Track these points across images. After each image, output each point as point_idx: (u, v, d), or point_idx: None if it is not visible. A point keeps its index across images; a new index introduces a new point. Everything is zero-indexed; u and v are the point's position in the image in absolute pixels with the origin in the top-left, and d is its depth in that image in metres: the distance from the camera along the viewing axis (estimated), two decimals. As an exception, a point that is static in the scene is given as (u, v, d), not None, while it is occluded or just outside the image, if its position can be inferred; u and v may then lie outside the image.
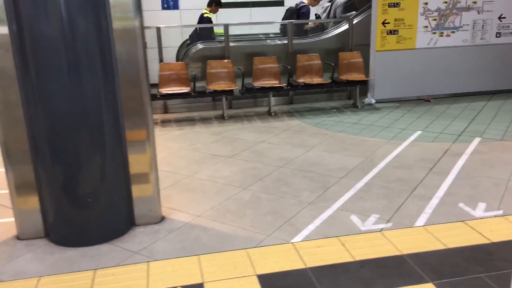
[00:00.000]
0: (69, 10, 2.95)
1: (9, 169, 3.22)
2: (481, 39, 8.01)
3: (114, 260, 3.05)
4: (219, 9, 9.16)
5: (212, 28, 8.93)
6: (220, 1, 9.04)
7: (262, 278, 2.76)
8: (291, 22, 7.99)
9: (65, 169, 3.21)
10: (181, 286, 2.70)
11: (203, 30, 8.90)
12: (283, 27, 8.80)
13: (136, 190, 3.49)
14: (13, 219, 3.39)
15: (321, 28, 8.73)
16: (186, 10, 10.68)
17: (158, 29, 7.31)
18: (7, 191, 3.33)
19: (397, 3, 7.52)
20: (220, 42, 7.88)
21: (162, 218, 3.65)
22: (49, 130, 3.12)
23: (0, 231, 3.49)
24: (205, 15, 8.86)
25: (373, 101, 7.77)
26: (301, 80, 7.47)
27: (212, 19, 9.02)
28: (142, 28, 3.28)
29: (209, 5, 8.96)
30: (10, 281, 2.83)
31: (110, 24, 3.14)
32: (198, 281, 2.75)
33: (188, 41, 9.01)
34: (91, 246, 3.23)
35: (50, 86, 3.03)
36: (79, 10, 2.99)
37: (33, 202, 3.29)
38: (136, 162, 3.44)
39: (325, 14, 9.04)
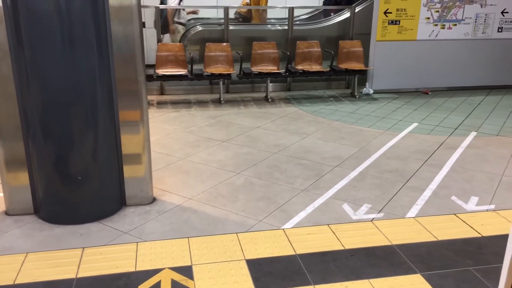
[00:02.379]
0: (65, -17, 2.88)
1: (-1, 144, 3.18)
2: (483, 33, 7.95)
3: (103, 240, 3.03)
4: None
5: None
6: None
7: (251, 263, 2.75)
8: (293, 7, 7.89)
9: (57, 146, 3.17)
10: (169, 268, 2.68)
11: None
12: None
13: (128, 171, 3.46)
14: (1, 194, 3.36)
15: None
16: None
17: (157, 8, 7.21)
18: (-3, 166, 3.29)
19: (400, -7, 7.45)
20: (220, 25, 7.79)
21: (154, 200, 3.62)
22: (41, 105, 3.07)
23: (-11, 206, 3.46)
24: None
25: (371, 91, 7.72)
26: (299, 67, 7.41)
27: None
28: (139, 6, 3.22)
29: None
30: (-3, 256, 2.81)
31: (107, 1, 3.08)
32: (187, 263, 2.74)
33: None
34: (81, 225, 3.21)
35: (43, 60, 2.97)
36: (74, -16, 2.92)
37: (23, 178, 3.26)
38: (129, 143, 3.40)
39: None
